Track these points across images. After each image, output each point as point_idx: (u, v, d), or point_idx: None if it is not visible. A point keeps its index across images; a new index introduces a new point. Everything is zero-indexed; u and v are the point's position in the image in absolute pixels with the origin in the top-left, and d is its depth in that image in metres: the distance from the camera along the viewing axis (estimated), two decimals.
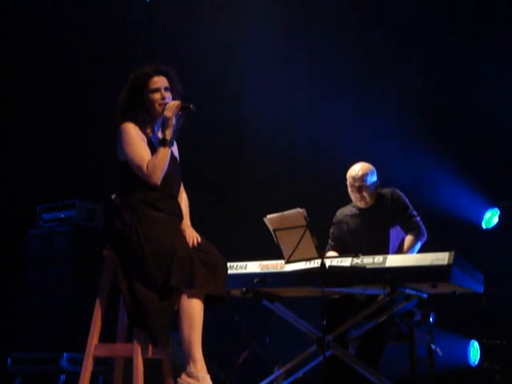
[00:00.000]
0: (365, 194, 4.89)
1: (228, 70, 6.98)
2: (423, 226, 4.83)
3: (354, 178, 4.89)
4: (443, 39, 6.41)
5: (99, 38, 6.94)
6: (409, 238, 4.78)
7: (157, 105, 3.80)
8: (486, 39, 6.24)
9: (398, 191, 4.93)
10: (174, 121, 3.76)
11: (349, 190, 4.94)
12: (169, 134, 3.74)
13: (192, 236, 3.72)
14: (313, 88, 6.94)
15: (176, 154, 3.95)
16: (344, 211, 5.05)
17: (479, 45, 6.25)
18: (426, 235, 4.81)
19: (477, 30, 6.30)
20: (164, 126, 3.77)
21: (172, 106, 3.76)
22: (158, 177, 3.68)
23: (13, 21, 6.82)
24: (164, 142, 3.71)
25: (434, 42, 6.45)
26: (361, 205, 4.93)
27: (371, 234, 4.83)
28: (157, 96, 3.79)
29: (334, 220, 5.04)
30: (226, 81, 6.92)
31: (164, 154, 3.70)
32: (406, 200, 4.91)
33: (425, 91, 6.49)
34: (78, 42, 6.89)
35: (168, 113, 3.75)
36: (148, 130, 3.83)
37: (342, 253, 4.79)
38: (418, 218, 4.85)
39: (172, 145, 3.79)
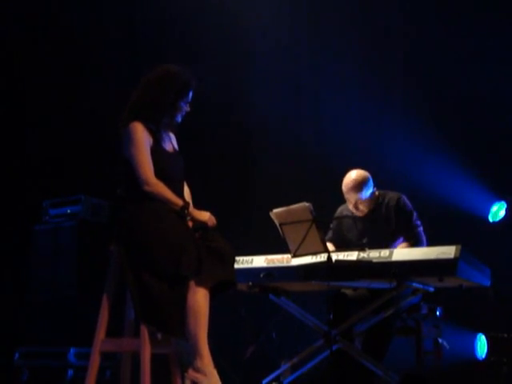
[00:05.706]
0: (360, 207, 4.86)
1: (231, 66, 6.97)
2: (424, 236, 4.77)
3: (348, 192, 4.84)
4: (451, 30, 6.38)
5: (102, 32, 6.93)
6: (403, 245, 4.68)
7: (180, 115, 3.85)
8: (495, 29, 6.22)
9: (404, 198, 4.87)
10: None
11: (345, 196, 4.90)
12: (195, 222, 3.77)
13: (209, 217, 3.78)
14: (318, 82, 6.92)
15: (176, 147, 3.96)
16: (344, 210, 5.01)
17: (488, 33, 6.23)
18: (425, 244, 4.73)
19: (484, 20, 6.28)
20: (195, 220, 3.77)
21: (212, 218, 3.82)
22: (149, 192, 3.68)
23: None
24: (183, 214, 3.71)
25: (440, 33, 6.43)
26: (357, 214, 4.90)
27: (372, 238, 4.79)
28: (185, 108, 3.85)
29: (335, 216, 5.02)
30: (230, 78, 6.92)
31: (169, 200, 3.70)
32: (412, 208, 4.85)
33: (431, 84, 6.47)
34: (82, 37, 6.88)
35: (211, 224, 3.78)
36: (160, 130, 3.84)
37: (339, 247, 4.78)
38: (421, 229, 4.79)
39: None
